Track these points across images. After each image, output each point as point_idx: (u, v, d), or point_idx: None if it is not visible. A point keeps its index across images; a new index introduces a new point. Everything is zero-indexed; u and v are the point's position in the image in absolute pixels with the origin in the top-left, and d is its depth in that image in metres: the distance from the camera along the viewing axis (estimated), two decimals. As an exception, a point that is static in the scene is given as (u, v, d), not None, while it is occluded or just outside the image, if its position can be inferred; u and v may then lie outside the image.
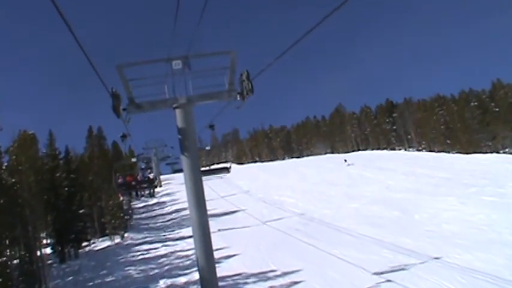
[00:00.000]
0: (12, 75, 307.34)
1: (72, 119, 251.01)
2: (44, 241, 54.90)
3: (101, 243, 58.96)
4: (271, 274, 34.46)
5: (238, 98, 15.64)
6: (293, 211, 57.57)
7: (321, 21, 7.28)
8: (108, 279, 40.84)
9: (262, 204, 65.20)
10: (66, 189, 55.53)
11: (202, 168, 17.40)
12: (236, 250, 41.16)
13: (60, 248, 52.33)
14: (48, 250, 52.66)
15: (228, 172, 23.11)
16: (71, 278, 44.20)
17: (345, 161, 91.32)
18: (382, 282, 29.27)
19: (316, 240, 41.28)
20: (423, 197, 55.14)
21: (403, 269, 31.22)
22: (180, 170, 62.20)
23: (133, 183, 37.02)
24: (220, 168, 23.79)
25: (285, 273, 34.03)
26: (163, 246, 49.54)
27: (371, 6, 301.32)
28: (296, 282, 32.03)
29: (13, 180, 42.85)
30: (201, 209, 15.18)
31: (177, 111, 14.80)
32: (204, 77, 15.40)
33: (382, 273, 30.67)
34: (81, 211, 57.21)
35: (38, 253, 43.96)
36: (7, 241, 38.84)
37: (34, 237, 42.94)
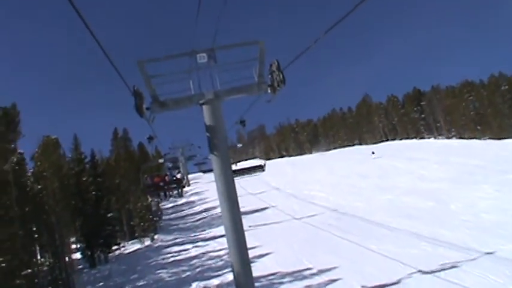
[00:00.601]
0: (32, 77, 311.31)
1: (96, 122, 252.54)
2: (74, 246, 54.74)
3: (131, 247, 58.59)
4: (306, 272, 33.28)
5: (269, 91, 14.47)
6: (324, 205, 56.55)
7: (352, 10, 6.87)
8: (140, 284, 40.13)
9: (292, 199, 64.25)
10: (93, 193, 55.03)
11: (233, 167, 16.30)
12: (269, 248, 40.12)
13: (89, 253, 51.86)
14: (78, 255, 52.32)
15: (263, 170, 21.59)
16: (101, 283, 43.60)
17: (373, 153, 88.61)
18: (424, 277, 27.99)
19: (350, 235, 40.13)
20: (458, 186, 53.86)
21: (444, 263, 29.81)
22: (208, 171, 61.35)
23: (161, 183, 35.98)
24: (254, 166, 22.05)
25: (321, 271, 32.83)
26: (194, 247, 48.79)
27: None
28: (333, 280, 30.80)
29: (39, 187, 42.29)
30: (234, 213, 14.10)
31: (204, 107, 13.81)
32: (231, 70, 14.28)
33: (422, 267, 29.32)
34: (109, 215, 56.68)
35: (67, 259, 43.39)
36: (36, 249, 38.29)
37: (61, 244, 42.35)
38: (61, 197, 46.33)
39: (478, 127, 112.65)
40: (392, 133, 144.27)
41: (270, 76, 13.79)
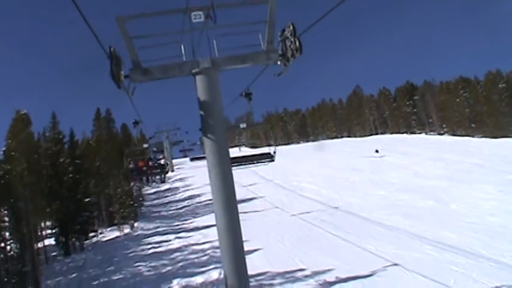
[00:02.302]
0: (18, 59, 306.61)
1: (80, 102, 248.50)
2: (48, 231, 51.88)
3: (109, 234, 55.86)
4: (299, 274, 30.53)
5: (279, 63, 11.78)
6: (315, 199, 54.15)
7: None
8: (116, 277, 37.16)
9: (281, 190, 61.69)
10: (71, 175, 51.73)
11: (233, 154, 13.21)
12: (258, 244, 37.03)
13: (64, 240, 48.83)
14: (52, 242, 49.33)
15: (272, 160, 17.92)
16: (74, 274, 40.53)
17: (376, 151, 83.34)
18: (432, 285, 25.25)
19: (345, 233, 37.64)
20: (456, 184, 51.85)
21: (453, 270, 27.20)
22: (196, 158, 58.51)
23: (144, 168, 33.91)
24: (259, 154, 18.35)
25: (315, 273, 30.19)
26: (176, 238, 46.16)
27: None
28: (330, 284, 27.99)
29: (9, 167, 38.92)
30: (231, 211, 11.54)
31: (198, 78, 11.32)
32: (233, 35, 11.86)
33: (430, 275, 26.58)
34: (86, 199, 53.57)
35: (39, 246, 40.20)
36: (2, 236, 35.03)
37: (29, 231, 38.98)
38: (32, 179, 42.80)
39: (473, 125, 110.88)
40: (382, 127, 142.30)
41: (281, 43, 11.52)
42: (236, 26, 11.76)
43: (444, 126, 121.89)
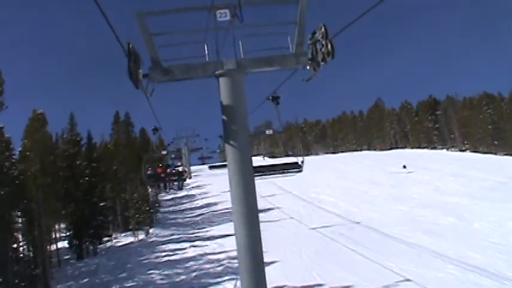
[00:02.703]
0: (37, 59, 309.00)
1: (99, 104, 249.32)
2: (63, 234, 51.45)
3: (124, 239, 55.35)
4: (317, 289, 29.46)
5: (308, 67, 10.67)
6: (334, 212, 53.17)
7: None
8: (128, 285, 36.56)
9: (299, 202, 60.76)
10: (87, 178, 51.28)
11: (256, 163, 12.28)
12: (274, 256, 36.12)
13: (77, 243, 48.24)
14: (65, 244, 48.85)
15: (300, 171, 15.98)
16: (86, 279, 40.00)
17: (404, 167, 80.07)
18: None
19: (365, 249, 36.44)
20: (479, 202, 50.30)
21: (478, 293, 26.00)
22: (215, 166, 57.79)
23: (162, 175, 33.34)
24: (286, 164, 16.49)
25: (333, 289, 28.98)
26: (191, 246, 45.46)
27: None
28: (349, 301, 27.04)
29: (23, 168, 38.38)
30: (252, 224, 10.27)
31: (222, 80, 10.28)
32: (261, 36, 10.92)
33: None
34: (102, 204, 53.14)
35: (52, 248, 39.57)
36: (13, 238, 34.40)
37: (40, 234, 38.33)
38: (46, 181, 42.22)
39: (496, 142, 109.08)
40: (403, 141, 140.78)
41: (311, 47, 10.34)
42: (263, 26, 11.01)
43: (466, 142, 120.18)
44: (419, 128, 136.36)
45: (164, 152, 39.84)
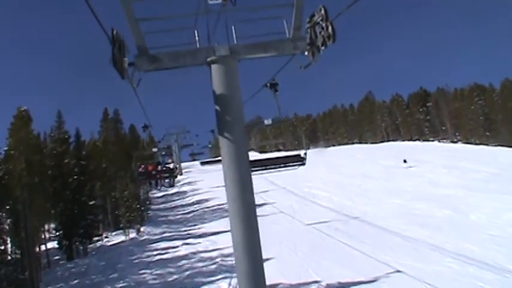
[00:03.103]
0: (24, 58, 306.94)
1: (88, 103, 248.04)
2: (52, 234, 50.62)
3: (114, 238, 54.62)
4: (314, 286, 28.74)
5: (306, 53, 10.23)
6: (328, 206, 52.66)
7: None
8: (119, 286, 35.72)
9: (292, 197, 60.16)
10: (76, 177, 50.32)
11: (252, 157, 11.42)
12: (269, 253, 35.02)
13: (67, 243, 47.41)
14: (55, 245, 48.03)
15: (303, 164, 14.64)
16: (76, 281, 39.21)
17: (405, 161, 78.34)
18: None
19: (360, 243, 35.85)
20: (474, 194, 49.70)
21: (479, 286, 25.40)
22: (207, 162, 57.08)
23: (153, 172, 33.01)
24: (287, 157, 15.14)
25: (330, 286, 28.34)
26: (183, 244, 44.81)
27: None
28: (347, 298, 26.35)
29: (9, 167, 37.42)
30: (250, 223, 9.80)
31: (214, 68, 9.80)
32: (255, 21, 10.49)
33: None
34: (91, 202, 52.32)
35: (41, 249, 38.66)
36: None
37: (27, 235, 37.34)
38: (32, 180, 41.21)
39: (487, 133, 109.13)
40: (394, 133, 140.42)
41: (309, 31, 10.02)
42: (258, 9, 10.45)
43: (457, 134, 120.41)
44: (410, 120, 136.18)
45: (155, 150, 39.45)
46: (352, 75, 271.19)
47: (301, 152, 14.32)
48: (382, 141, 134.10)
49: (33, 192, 40.47)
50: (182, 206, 70.26)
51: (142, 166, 34.56)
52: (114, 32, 8.27)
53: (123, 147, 71.12)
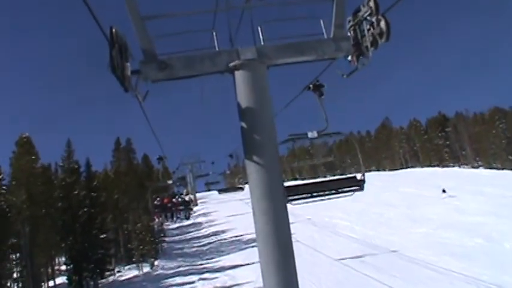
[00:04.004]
0: (37, 89, 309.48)
1: (100, 132, 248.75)
2: (63, 267, 49.00)
3: (127, 273, 53.18)
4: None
5: (349, 58, 8.60)
6: (350, 236, 50.40)
7: None
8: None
9: (311, 227, 58.03)
10: (86, 209, 48.64)
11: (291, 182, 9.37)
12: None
13: (77, 279, 45.49)
14: (64, 280, 46.44)
15: (361, 188, 11.52)
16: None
17: (443, 191, 73.85)
18: None
19: (391, 277, 33.70)
20: (504, 220, 47.09)
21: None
22: (226, 189, 55.03)
23: (169, 205, 31.93)
24: (339, 180, 11.92)
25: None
26: (200, 279, 43.26)
27: (421, 10, 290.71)
28: None
29: (14, 199, 35.67)
30: (286, 268, 7.69)
31: (238, 75, 8.00)
32: (284, 21, 8.70)
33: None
34: (102, 236, 50.66)
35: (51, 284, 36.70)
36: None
37: (28, 274, 35.39)
38: (37, 212, 39.41)
39: (510, 157, 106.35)
40: (413, 160, 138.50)
41: (352, 29, 8.53)
42: (289, 4, 8.80)
43: (478, 159, 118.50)
44: (429, 146, 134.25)
45: (170, 182, 38.33)
46: (368, 102, 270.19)
47: (357, 175, 11.45)
48: (401, 168, 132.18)
49: (39, 225, 38.71)
50: (198, 237, 68.64)
51: (158, 199, 33.68)
52: (113, 30, 6.67)
53: (136, 177, 69.65)
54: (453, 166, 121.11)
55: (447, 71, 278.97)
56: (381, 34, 7.70)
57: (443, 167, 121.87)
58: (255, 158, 7.65)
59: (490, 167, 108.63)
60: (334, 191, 10.24)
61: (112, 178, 63.52)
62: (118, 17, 7.52)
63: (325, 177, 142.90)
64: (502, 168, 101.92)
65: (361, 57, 8.68)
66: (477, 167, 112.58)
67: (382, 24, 7.63)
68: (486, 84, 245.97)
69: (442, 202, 63.28)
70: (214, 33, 8.42)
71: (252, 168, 7.74)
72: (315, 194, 10.10)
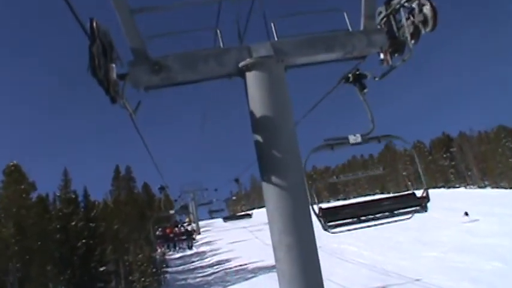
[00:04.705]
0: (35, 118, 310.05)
1: (100, 161, 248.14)
2: None
3: (129, 307, 50.78)
4: None
5: (381, 56, 7.13)
6: (359, 262, 48.57)
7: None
8: None
9: (319, 253, 55.68)
10: (84, 241, 47.10)
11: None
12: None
13: (75, 315, 43.92)
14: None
15: (424, 209, 9.78)
16: None
17: (466, 214, 69.77)
18: None
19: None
20: (521, 242, 45.23)
21: None
22: (231, 217, 53.38)
23: (171, 235, 30.89)
24: (394, 197, 9.94)
25: None
26: (205, 311, 40.79)
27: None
28: None
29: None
30: None
31: (250, 77, 6.52)
32: (301, 15, 7.39)
33: None
34: (102, 268, 48.94)
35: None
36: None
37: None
38: (29, 246, 37.73)
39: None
40: (417, 181, 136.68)
41: (384, 22, 7.09)
42: None
43: (485, 178, 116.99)
44: (433, 167, 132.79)
45: (172, 212, 37.41)
46: (369, 125, 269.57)
47: (416, 192, 9.02)
48: (406, 190, 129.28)
49: (33, 259, 36.99)
50: (202, 267, 66.79)
51: (160, 229, 33.63)
52: (94, 23, 5.38)
53: (136, 207, 68.41)
54: (459, 187, 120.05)
55: (449, 90, 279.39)
56: (424, 22, 6.38)
57: (449, 188, 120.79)
58: (274, 179, 6.17)
59: (497, 186, 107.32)
60: (388, 213, 8.20)
61: (111, 208, 62.27)
62: (104, 15, 6.05)
63: (327, 201, 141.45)
64: (510, 188, 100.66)
65: (396, 54, 7.08)
66: (484, 187, 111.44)
67: (427, 9, 6.30)
68: (489, 102, 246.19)
69: (453, 224, 61.57)
70: (218, 31, 6.93)
71: (270, 192, 6.24)
72: (363, 218, 8.09)
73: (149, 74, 6.39)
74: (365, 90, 7.99)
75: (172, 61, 6.47)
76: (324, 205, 7.78)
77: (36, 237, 40.23)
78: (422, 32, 6.56)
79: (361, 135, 7.79)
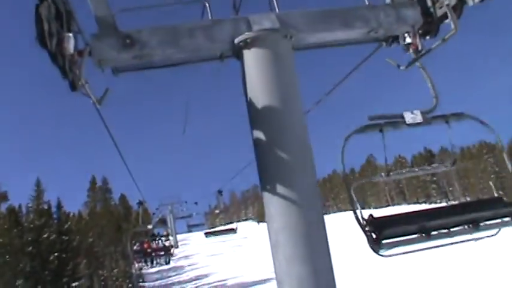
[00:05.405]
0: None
1: (75, 171, 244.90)
2: None
3: (103, 324, 49.26)
4: None
5: (409, 40, 5.65)
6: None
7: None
8: None
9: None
10: (56, 254, 45.46)
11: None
12: None
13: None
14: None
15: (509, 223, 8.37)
16: None
17: None
18: None
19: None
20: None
21: None
22: (216, 232, 51.91)
23: (149, 250, 29.70)
24: (452, 207, 8.44)
25: None
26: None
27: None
28: None
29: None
30: None
31: (248, 55, 4.96)
32: None
33: None
34: (74, 284, 47.10)
35: None
36: None
37: None
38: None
39: (500, 192, 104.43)
40: (399, 197, 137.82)
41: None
42: None
43: (467, 194, 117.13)
44: (415, 182, 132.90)
45: (150, 226, 36.77)
46: (352, 139, 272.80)
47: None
48: (387, 206, 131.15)
49: (1, 274, 35.54)
50: (179, 282, 66.04)
51: (137, 244, 32.73)
52: None
53: (112, 219, 66.72)
54: (440, 202, 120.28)
55: (429, 105, 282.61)
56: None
57: (430, 203, 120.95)
58: (280, 188, 4.65)
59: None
60: (468, 227, 5.65)
61: (86, 220, 60.96)
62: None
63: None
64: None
65: (427, 36, 5.63)
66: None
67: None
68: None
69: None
70: (207, 4, 5.47)
71: (274, 206, 4.74)
72: (434, 234, 5.47)
73: (118, 50, 4.87)
74: (422, 51, 5.80)
75: (148, 35, 4.95)
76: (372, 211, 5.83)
77: (5, 250, 38.86)
78: (469, 3, 5.23)
79: (422, 113, 5.82)
